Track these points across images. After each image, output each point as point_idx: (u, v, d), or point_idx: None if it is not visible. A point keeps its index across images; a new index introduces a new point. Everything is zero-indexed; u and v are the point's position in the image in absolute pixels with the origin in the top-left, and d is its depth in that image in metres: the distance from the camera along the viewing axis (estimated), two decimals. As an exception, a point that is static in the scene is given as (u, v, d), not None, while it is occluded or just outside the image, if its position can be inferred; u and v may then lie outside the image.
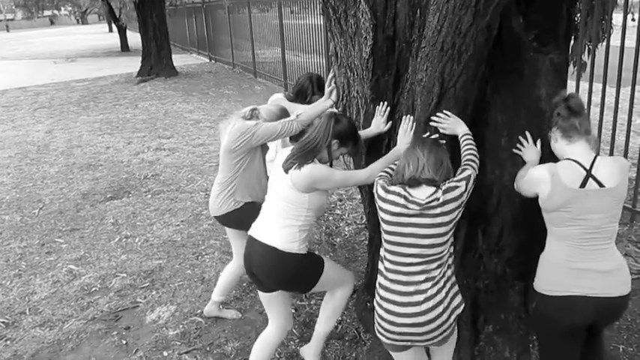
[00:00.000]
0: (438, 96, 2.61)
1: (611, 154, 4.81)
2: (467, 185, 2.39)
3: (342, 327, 3.55)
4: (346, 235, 4.89)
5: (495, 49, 2.69)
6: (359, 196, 5.32)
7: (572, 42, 3.69)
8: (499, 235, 3.00)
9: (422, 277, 2.34)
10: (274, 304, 2.91)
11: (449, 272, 2.43)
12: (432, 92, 2.61)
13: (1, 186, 6.59)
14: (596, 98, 4.80)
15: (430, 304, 2.32)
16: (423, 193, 2.33)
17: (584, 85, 4.90)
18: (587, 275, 2.35)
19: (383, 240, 2.43)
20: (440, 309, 2.34)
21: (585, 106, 4.31)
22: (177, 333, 3.62)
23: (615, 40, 4.87)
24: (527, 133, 2.75)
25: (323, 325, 3.11)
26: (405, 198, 2.32)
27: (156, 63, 14.12)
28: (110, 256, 4.72)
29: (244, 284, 4.13)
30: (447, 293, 2.39)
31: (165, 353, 3.44)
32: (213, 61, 16.48)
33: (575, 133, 2.43)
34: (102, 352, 3.49)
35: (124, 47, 21.38)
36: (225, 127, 3.34)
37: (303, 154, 2.70)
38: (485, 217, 2.97)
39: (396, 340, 2.39)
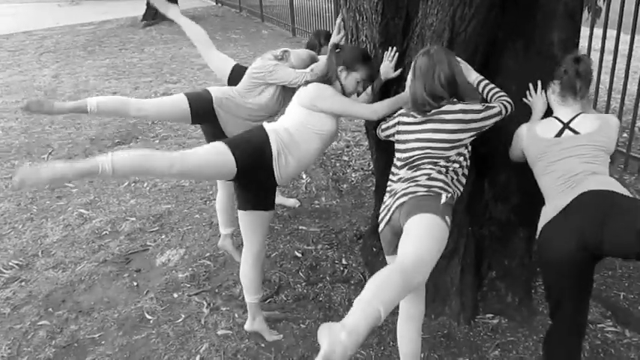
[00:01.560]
0: (448, 41, 2.57)
1: (623, 102, 4.75)
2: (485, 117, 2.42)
3: (348, 271, 3.62)
4: (353, 181, 4.92)
5: (508, -7, 2.63)
6: (366, 143, 5.32)
7: (587, -14, 3.59)
8: (505, 183, 3.01)
9: (428, 166, 2.41)
10: (253, 227, 2.95)
11: (452, 173, 2.44)
12: (442, 37, 2.56)
13: (10, 131, 6.61)
14: (610, 45, 4.70)
15: (431, 182, 2.37)
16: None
17: (597, 32, 4.79)
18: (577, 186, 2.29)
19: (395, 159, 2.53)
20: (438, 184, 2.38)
21: (599, 56, 4.21)
22: (187, 275, 3.70)
23: (632, -16, 4.73)
24: (539, 83, 2.72)
25: None
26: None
27: (161, 6, 13.88)
28: (119, 200, 4.78)
29: (252, 229, 4.19)
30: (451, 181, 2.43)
31: (175, 295, 3.53)
32: (219, 5, 16.16)
33: (570, 95, 2.47)
34: (114, 293, 3.58)
35: (129, -10, 21.00)
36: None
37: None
38: (492, 165, 2.98)
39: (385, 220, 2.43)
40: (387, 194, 2.48)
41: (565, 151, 2.38)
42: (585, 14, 3.53)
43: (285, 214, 4.41)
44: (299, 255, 3.86)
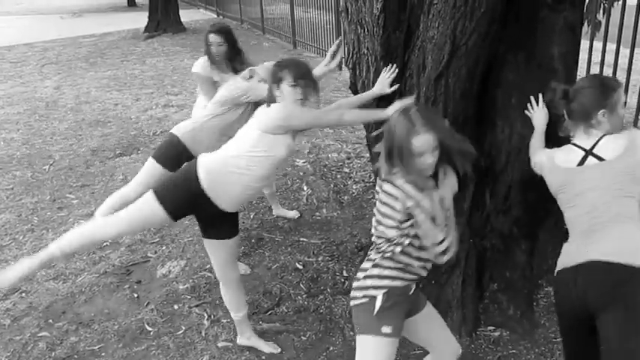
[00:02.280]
0: (449, 54, 2.58)
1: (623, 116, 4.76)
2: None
3: (349, 283, 3.61)
4: (354, 193, 4.92)
5: (508, 7, 2.65)
6: (367, 155, 5.33)
7: (587, 0, 3.62)
8: (507, 195, 3.02)
9: (375, 249, 2.18)
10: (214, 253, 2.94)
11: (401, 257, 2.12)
12: (443, 50, 2.58)
13: (11, 142, 6.63)
14: (610, 58, 4.73)
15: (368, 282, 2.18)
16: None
17: (597, 45, 4.82)
18: (596, 241, 2.07)
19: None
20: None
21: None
22: (187, 287, 3.70)
23: (631, -2, 4.77)
24: (540, 96, 2.69)
25: None
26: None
27: (163, 19, 13.94)
28: (120, 211, 4.77)
29: (253, 240, 4.19)
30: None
31: (175, 306, 3.52)
32: (220, 17, 16.24)
33: (582, 123, 2.28)
34: (114, 304, 3.57)
35: (131, 2, 21.08)
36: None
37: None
38: (494, 176, 2.98)
39: None
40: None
41: (587, 182, 2.13)
42: (585, 28, 3.55)
43: (286, 225, 4.41)
44: (300, 267, 3.85)
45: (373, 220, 2.11)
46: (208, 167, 2.63)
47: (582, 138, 2.26)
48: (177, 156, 3.37)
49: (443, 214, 2.04)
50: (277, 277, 3.76)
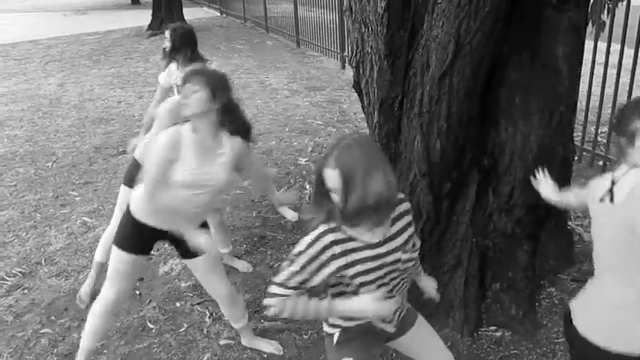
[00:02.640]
0: (453, 53, 2.58)
1: (626, 115, 4.75)
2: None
3: (351, 282, 3.62)
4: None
5: (513, 6, 2.64)
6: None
7: (591, 0, 3.61)
8: (510, 195, 3.01)
9: None
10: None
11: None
12: (447, 49, 2.57)
13: (14, 139, 6.64)
14: (614, 59, 4.71)
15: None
16: None
17: (601, 45, 4.80)
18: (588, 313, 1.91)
19: None
20: None
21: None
22: (189, 285, 3.70)
23: (636, -2, 4.76)
24: (546, 171, 2.44)
25: None
26: None
27: (166, 16, 13.92)
28: (123, 209, 4.78)
29: (255, 238, 4.19)
30: None
31: (177, 304, 3.52)
32: (224, 15, 16.24)
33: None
34: (116, 301, 3.58)
35: (135, 0, 21.13)
36: None
37: None
38: (497, 176, 2.98)
39: None
40: None
41: (598, 227, 1.89)
42: (589, 28, 3.54)
43: (288, 224, 4.41)
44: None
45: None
46: (135, 202, 2.69)
47: (621, 167, 1.87)
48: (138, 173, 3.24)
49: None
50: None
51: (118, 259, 2.70)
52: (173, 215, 2.59)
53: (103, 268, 3.54)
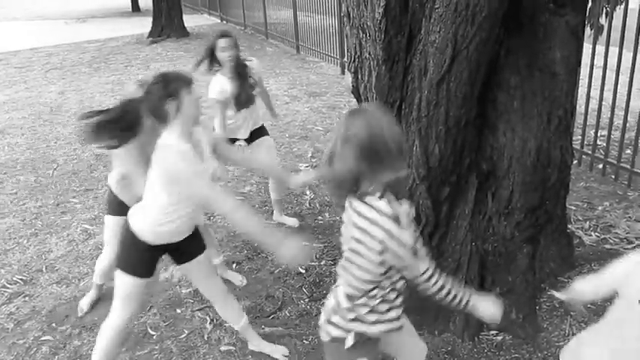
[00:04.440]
0: (450, 58, 2.59)
1: (626, 118, 4.76)
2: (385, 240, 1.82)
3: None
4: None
5: (510, 11, 2.65)
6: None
7: (589, 4, 3.62)
8: (509, 199, 3.02)
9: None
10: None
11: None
12: (445, 54, 2.59)
13: (15, 147, 6.66)
14: (612, 62, 4.72)
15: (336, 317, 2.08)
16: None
17: (600, 49, 4.82)
18: None
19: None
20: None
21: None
22: (190, 291, 3.70)
23: (633, 2, 4.77)
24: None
25: None
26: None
27: (167, 24, 13.99)
28: (124, 216, 4.79)
29: (255, 244, 4.19)
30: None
31: (178, 310, 3.52)
32: (224, 22, 16.29)
33: None
34: (117, 308, 3.58)
35: (135, 7, 21.18)
36: None
37: None
38: (496, 180, 2.98)
39: None
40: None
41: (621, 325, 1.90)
42: (587, 31, 3.55)
43: (289, 230, 4.41)
44: (302, 271, 3.85)
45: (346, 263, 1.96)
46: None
47: None
48: (118, 201, 3.19)
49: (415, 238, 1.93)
50: (280, 281, 3.76)
51: (130, 284, 2.65)
52: (188, 223, 2.62)
53: (103, 287, 3.57)
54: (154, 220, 2.56)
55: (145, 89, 2.50)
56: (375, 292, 1.95)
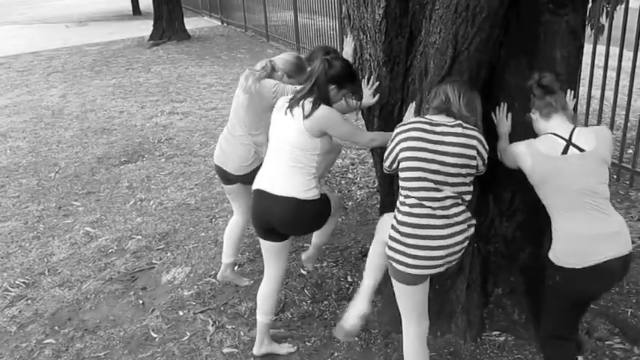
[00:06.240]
0: (451, 58, 2.59)
1: (627, 118, 4.76)
2: (482, 153, 2.46)
3: (354, 288, 3.61)
4: (358, 198, 4.92)
5: (510, 11, 2.65)
6: (371, 160, 5.33)
7: (589, 4, 3.62)
8: (511, 200, 3.01)
9: (448, 203, 2.41)
10: (282, 254, 2.99)
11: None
12: (445, 55, 2.59)
13: (17, 150, 6.67)
14: (613, 62, 4.72)
15: (457, 228, 2.42)
16: (446, 120, 2.44)
17: (601, 49, 4.82)
18: (601, 240, 2.33)
19: (401, 182, 2.46)
20: (458, 229, 2.43)
21: (588, 76, 4.22)
22: (192, 293, 3.70)
23: (634, 2, 4.77)
24: (503, 105, 2.81)
25: (319, 238, 3.46)
26: (429, 123, 2.42)
27: (168, 26, 14.02)
28: (125, 218, 4.80)
29: (257, 246, 4.19)
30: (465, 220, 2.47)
31: (180, 313, 3.53)
32: (225, 25, 16.32)
33: (551, 110, 2.48)
34: (120, 311, 3.58)
35: (136, 10, 21.20)
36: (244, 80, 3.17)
37: (311, 103, 2.66)
38: (497, 182, 2.98)
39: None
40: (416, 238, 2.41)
41: (575, 170, 2.35)
42: (588, 31, 3.55)
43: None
44: (304, 272, 3.85)
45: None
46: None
47: (556, 127, 2.45)
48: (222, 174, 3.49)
49: None
50: (282, 282, 3.76)
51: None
52: None
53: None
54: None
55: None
56: None
